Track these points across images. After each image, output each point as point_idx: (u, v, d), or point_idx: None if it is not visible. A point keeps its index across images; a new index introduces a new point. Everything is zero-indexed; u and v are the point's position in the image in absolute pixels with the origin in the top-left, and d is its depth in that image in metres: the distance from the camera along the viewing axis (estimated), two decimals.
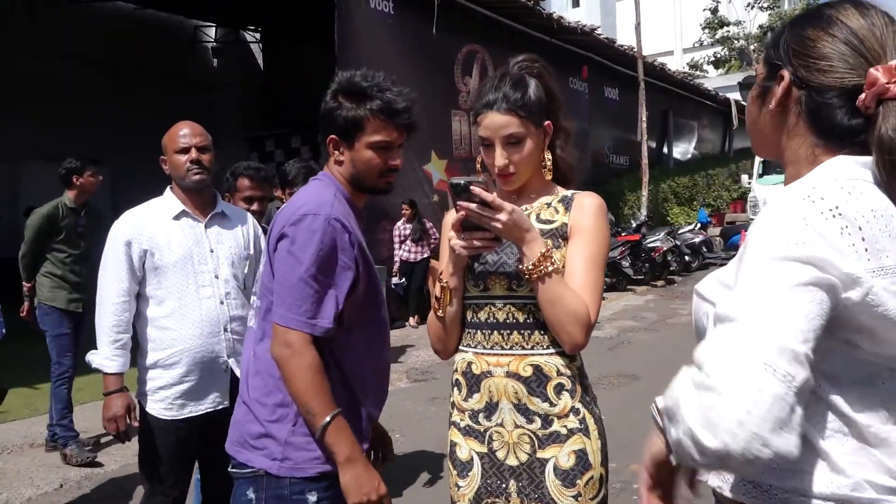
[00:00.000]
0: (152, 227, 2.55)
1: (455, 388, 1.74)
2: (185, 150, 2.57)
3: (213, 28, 17.36)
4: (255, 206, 3.34)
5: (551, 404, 1.61)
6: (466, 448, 1.71)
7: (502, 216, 1.49)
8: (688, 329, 1.17)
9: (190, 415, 2.53)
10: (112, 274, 2.51)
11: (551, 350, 1.62)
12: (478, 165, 1.74)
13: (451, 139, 11.08)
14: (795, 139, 1.07)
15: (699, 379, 0.89)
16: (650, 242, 12.46)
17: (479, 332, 1.68)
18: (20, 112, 12.32)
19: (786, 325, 0.87)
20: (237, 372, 2.55)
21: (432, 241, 9.60)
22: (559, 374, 1.61)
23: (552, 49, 13.24)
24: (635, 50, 15.20)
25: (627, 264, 11.80)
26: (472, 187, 1.48)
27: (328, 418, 1.64)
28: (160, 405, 2.52)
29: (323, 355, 1.72)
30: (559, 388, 1.61)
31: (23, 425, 5.45)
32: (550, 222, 1.67)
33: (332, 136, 1.81)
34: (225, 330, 2.57)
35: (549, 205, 1.70)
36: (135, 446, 2.66)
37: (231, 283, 2.62)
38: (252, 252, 2.74)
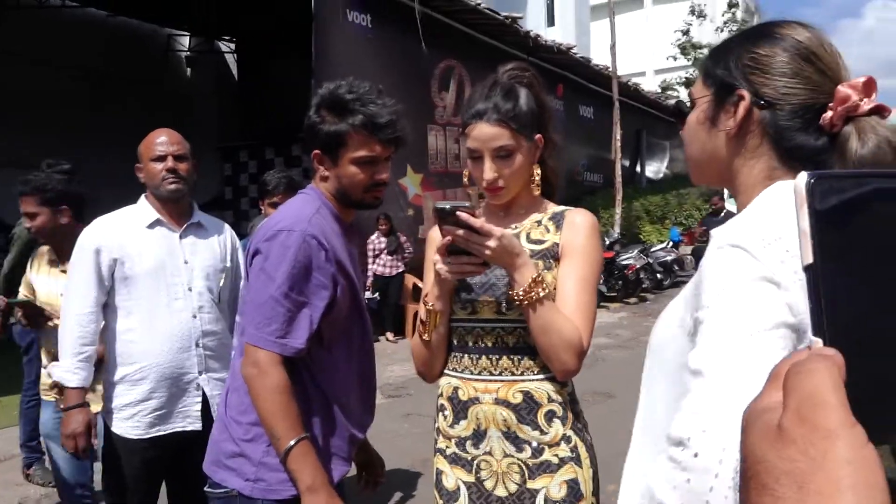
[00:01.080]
0: (124, 235, 2.43)
1: (440, 414, 1.66)
2: (162, 158, 2.46)
3: (188, 37, 17.19)
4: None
5: (542, 432, 1.54)
6: (453, 477, 1.63)
7: (491, 242, 1.41)
8: None
9: (157, 434, 2.41)
10: (79, 283, 2.39)
11: (542, 375, 1.55)
12: (465, 178, 1.68)
13: (427, 153, 11.05)
14: (753, 162, 1.00)
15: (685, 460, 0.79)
16: (623, 260, 12.51)
17: (466, 356, 1.61)
18: None
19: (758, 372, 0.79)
20: (208, 390, 2.47)
21: (406, 255, 9.55)
22: (550, 400, 1.55)
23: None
24: (610, 69, 15.35)
25: (601, 281, 11.84)
26: (458, 213, 1.41)
27: (292, 443, 1.58)
28: (126, 423, 2.40)
29: (301, 375, 1.67)
30: (550, 416, 1.55)
31: None
32: (541, 242, 1.61)
33: (316, 151, 1.76)
34: (197, 345, 2.46)
35: (539, 223, 1.64)
36: (99, 464, 2.54)
37: (205, 297, 2.51)
38: (229, 265, 2.64)
